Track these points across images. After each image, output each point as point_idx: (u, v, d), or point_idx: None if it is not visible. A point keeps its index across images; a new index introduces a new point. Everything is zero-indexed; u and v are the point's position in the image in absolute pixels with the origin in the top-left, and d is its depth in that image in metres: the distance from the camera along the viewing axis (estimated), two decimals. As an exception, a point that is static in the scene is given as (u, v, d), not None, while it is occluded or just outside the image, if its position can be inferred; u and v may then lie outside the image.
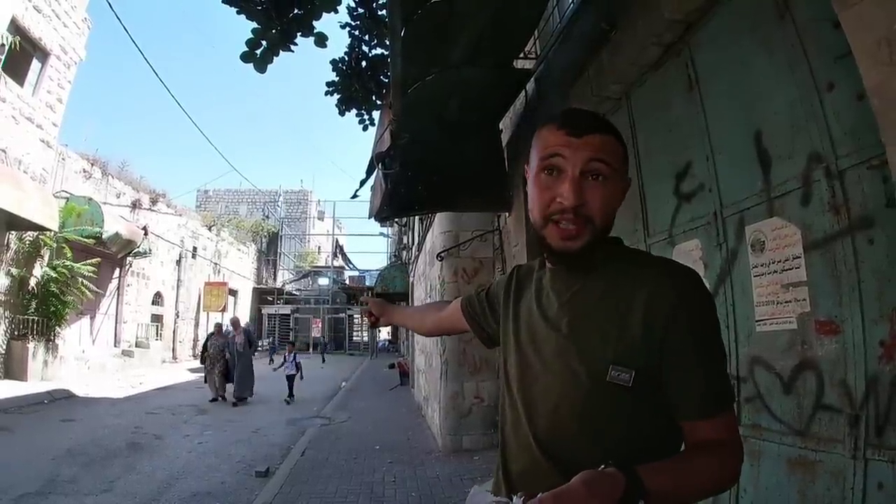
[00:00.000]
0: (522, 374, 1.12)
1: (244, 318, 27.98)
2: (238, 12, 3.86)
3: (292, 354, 11.99)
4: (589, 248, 1.03)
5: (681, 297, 0.97)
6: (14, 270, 12.48)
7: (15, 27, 11.71)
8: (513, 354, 1.16)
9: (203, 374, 12.29)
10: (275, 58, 3.98)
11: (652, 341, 0.97)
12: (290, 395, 11.57)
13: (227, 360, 11.60)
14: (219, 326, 12.63)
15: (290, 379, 11.64)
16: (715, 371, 0.99)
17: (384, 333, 40.98)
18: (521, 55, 4.61)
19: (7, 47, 11.38)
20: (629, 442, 0.99)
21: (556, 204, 1.01)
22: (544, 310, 1.12)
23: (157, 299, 20.26)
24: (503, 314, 1.26)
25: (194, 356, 22.48)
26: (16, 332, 12.43)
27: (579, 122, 1.03)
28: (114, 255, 15.93)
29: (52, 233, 12.82)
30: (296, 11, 3.90)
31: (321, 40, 4.05)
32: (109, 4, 8.13)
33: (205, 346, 12.22)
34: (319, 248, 43.03)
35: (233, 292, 26.88)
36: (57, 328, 13.26)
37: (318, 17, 3.94)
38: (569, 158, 1.00)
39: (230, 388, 11.54)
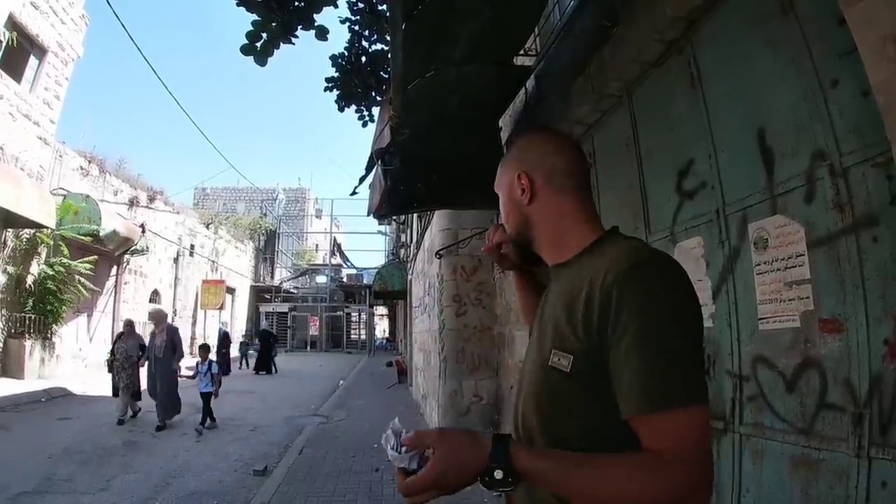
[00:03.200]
0: (523, 365, 1.21)
1: (244, 316, 28.04)
2: (238, 4, 3.84)
3: (206, 364, 8.45)
4: (517, 254, 1.27)
5: (618, 279, 0.91)
6: (11, 268, 12.44)
7: (12, 23, 11.67)
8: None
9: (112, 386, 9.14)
10: (275, 51, 3.97)
11: (589, 327, 0.93)
12: (205, 419, 8.34)
13: (138, 368, 8.95)
14: (130, 324, 9.46)
15: (206, 398, 8.38)
16: (651, 363, 0.87)
17: (380, 331, 41.03)
18: (522, 52, 4.59)
19: (4, 44, 11.35)
20: (583, 437, 0.97)
21: None
22: (542, 305, 1.19)
23: (155, 297, 20.22)
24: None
25: (191, 354, 22.50)
26: (13, 331, 12.40)
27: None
28: (111, 252, 15.89)
29: (50, 230, 12.80)
30: (296, 4, 3.88)
31: (322, 33, 4.03)
32: (108, 1, 8.09)
33: (112, 349, 9.27)
34: (317, 245, 43.00)
35: (230, 290, 26.85)
36: (54, 326, 13.23)
37: (319, 10, 3.93)
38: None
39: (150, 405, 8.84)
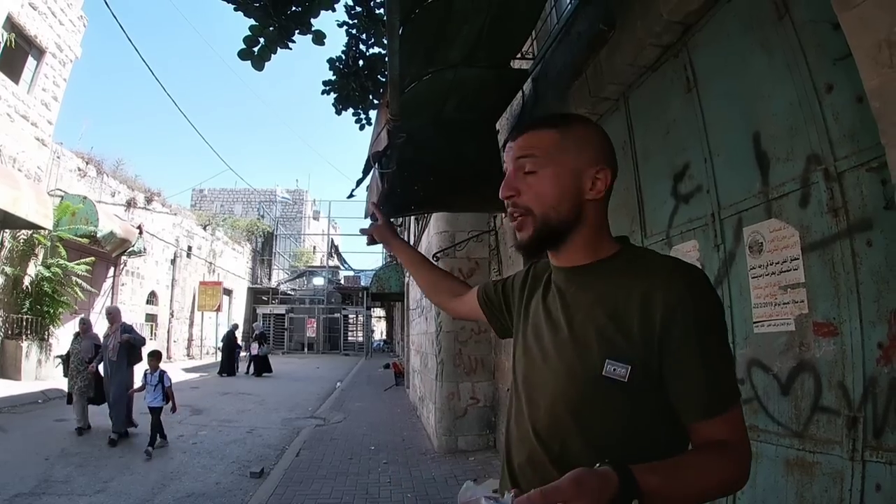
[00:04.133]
0: (526, 369, 1.14)
1: (241, 318, 28.01)
2: (235, 9, 3.84)
3: (156, 374, 6.93)
4: (536, 238, 1.08)
5: (680, 295, 0.96)
6: (8, 269, 12.40)
7: (10, 24, 11.66)
8: (520, 350, 1.19)
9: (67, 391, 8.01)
10: (272, 55, 3.97)
11: (650, 339, 0.95)
12: (154, 439, 6.79)
13: (94, 372, 7.65)
14: (84, 323, 8.19)
15: (155, 414, 6.84)
16: (716, 370, 0.96)
17: (378, 334, 41.00)
18: (519, 55, 4.60)
19: (2, 44, 11.33)
20: (626, 442, 0.97)
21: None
22: (549, 307, 1.15)
23: (152, 299, 20.17)
24: (516, 310, 1.29)
25: (188, 356, 22.46)
26: (9, 332, 12.36)
27: (515, 129, 1.14)
28: (108, 254, 15.85)
29: (47, 231, 12.76)
30: (293, 8, 3.88)
31: (319, 38, 4.04)
32: (106, 3, 8.10)
33: (68, 353, 8.05)
34: (315, 247, 42.96)
35: (227, 292, 26.79)
36: (51, 327, 13.19)
37: (316, 15, 3.93)
38: (507, 161, 1.12)
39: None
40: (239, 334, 19.64)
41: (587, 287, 1.07)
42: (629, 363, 0.95)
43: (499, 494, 0.84)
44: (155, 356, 7.27)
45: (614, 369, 0.96)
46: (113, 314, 7.89)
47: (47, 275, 12.92)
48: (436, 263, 1.40)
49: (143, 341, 7.93)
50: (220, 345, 18.88)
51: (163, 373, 7.04)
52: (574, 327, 1.05)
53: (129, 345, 7.55)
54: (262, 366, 17.71)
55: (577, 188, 1.07)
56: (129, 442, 7.22)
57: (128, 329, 7.77)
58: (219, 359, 18.81)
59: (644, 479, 0.83)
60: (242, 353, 19.98)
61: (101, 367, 7.64)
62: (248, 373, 17.63)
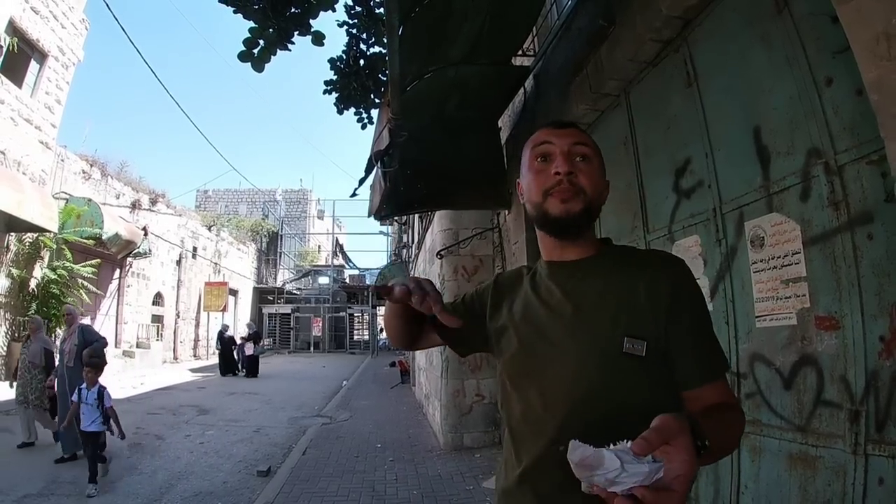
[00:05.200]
0: (530, 365, 1.15)
1: (246, 318, 28.08)
2: (235, 12, 3.85)
3: (95, 390, 5.35)
4: (585, 214, 1.14)
5: (678, 280, 1.11)
6: (14, 272, 12.47)
7: (13, 28, 11.69)
8: (514, 351, 1.19)
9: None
10: (272, 57, 3.98)
11: (658, 318, 1.07)
12: (95, 475, 5.18)
13: (51, 387, 6.44)
14: (33, 324, 7.18)
15: (92, 439, 5.28)
16: (713, 340, 1.12)
17: (384, 332, 40.98)
18: (520, 52, 4.60)
19: (5, 49, 11.37)
20: (645, 415, 0.98)
21: (552, 178, 1.14)
22: (545, 301, 1.19)
23: (158, 300, 20.25)
24: (492, 322, 1.29)
25: (195, 356, 22.53)
26: (16, 334, 12.43)
27: (562, 121, 1.23)
28: (114, 255, 15.92)
29: (52, 234, 12.81)
30: (293, 10, 3.89)
31: (318, 39, 4.04)
32: (107, 5, 8.12)
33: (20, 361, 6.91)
34: (319, 247, 43.02)
35: (233, 292, 26.88)
36: (57, 329, 13.25)
37: (316, 16, 3.94)
38: (556, 144, 1.17)
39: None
40: (237, 334, 19.04)
41: (591, 277, 1.16)
42: (644, 339, 1.05)
43: (607, 445, 0.82)
44: (94, 367, 5.59)
45: (633, 345, 1.05)
46: (71, 314, 6.83)
47: (53, 277, 12.99)
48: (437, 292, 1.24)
49: (104, 344, 6.94)
50: (218, 347, 18.36)
51: (102, 389, 5.43)
52: (586, 314, 1.12)
53: (79, 350, 6.28)
54: (254, 367, 17.04)
55: (603, 189, 1.20)
56: (137, 442, 7.26)
57: (85, 330, 6.69)
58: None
59: (704, 425, 0.89)
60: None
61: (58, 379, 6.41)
62: (236, 373, 17.21)
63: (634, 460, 0.78)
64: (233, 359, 17.53)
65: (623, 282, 1.12)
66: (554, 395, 1.09)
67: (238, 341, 18.24)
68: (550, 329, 1.14)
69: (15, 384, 6.86)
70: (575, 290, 1.15)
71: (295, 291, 34.28)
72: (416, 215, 12.10)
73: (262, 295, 31.46)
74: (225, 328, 18.41)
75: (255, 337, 17.64)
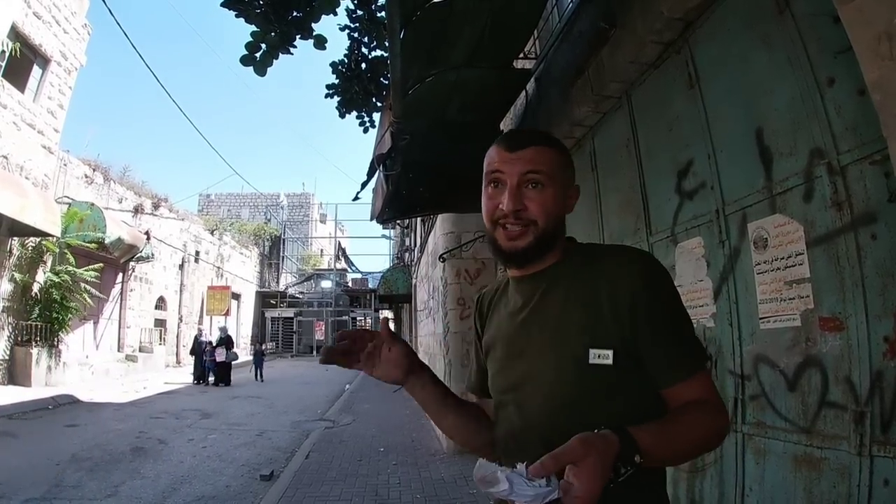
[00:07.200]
0: (508, 383, 1.19)
1: (249, 322, 28.05)
2: (237, 15, 3.86)
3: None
4: (535, 247, 1.12)
5: (641, 279, 1.07)
6: (17, 276, 12.50)
7: (15, 34, 11.75)
8: (494, 371, 1.25)
9: None
10: (274, 60, 3.99)
11: (622, 323, 1.04)
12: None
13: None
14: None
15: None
16: (683, 336, 1.08)
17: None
18: (521, 55, 4.60)
19: (8, 54, 11.42)
20: (627, 423, 0.99)
21: (500, 211, 1.12)
22: (515, 317, 1.20)
23: (161, 304, 20.29)
24: (483, 338, 1.34)
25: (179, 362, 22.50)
26: (19, 338, 12.46)
27: (514, 141, 1.16)
28: (116, 260, 15.96)
29: (55, 238, 12.85)
30: (294, 14, 3.90)
31: (320, 42, 4.05)
32: (109, 10, 8.16)
33: None
34: (322, 250, 43.11)
35: (236, 296, 26.92)
36: (60, 334, 13.28)
37: (317, 20, 3.95)
38: (507, 172, 1.13)
39: None
40: (214, 339, 16.73)
41: (554, 288, 1.15)
42: (610, 347, 1.04)
43: (511, 467, 0.88)
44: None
45: (599, 356, 1.04)
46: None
47: (56, 281, 13.02)
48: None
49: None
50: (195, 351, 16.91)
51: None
52: (552, 326, 1.12)
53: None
54: (225, 375, 15.66)
55: (564, 204, 1.17)
56: (140, 447, 7.26)
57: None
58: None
59: (640, 437, 0.91)
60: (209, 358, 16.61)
61: None
62: (204, 382, 15.81)
63: (525, 482, 0.84)
64: (204, 366, 16.11)
65: (585, 289, 1.10)
66: (531, 411, 1.12)
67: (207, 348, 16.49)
68: (522, 346, 1.16)
69: None
70: (539, 305, 1.15)
71: (298, 295, 34.33)
72: (419, 219, 12.10)
73: (265, 299, 31.51)
74: (224, 331, 16.88)
75: (226, 342, 16.07)
